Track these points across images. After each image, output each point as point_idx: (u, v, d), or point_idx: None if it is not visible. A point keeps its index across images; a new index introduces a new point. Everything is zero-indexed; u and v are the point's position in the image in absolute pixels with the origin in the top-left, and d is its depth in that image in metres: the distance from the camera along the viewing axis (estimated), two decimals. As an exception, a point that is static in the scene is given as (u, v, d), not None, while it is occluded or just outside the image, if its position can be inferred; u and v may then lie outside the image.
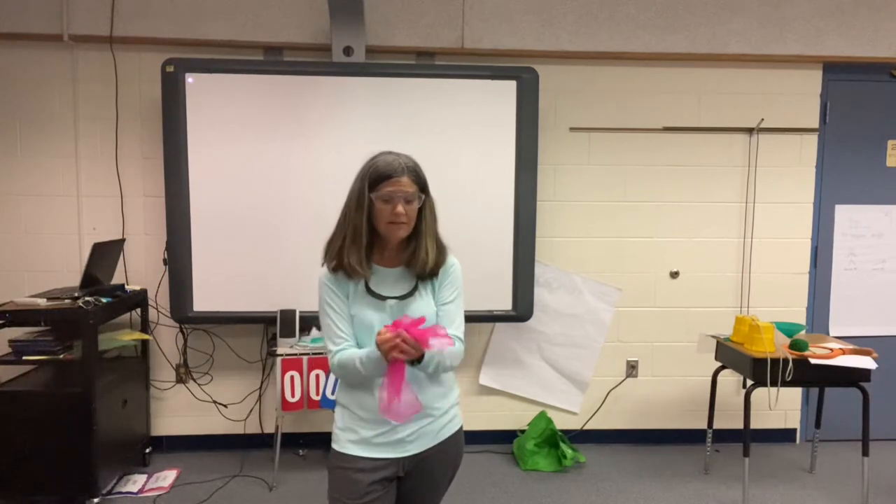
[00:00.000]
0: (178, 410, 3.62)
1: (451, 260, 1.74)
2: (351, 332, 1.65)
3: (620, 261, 3.72)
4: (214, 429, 3.64)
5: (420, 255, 1.65)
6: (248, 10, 3.44)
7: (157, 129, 3.35)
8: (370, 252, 1.66)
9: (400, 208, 1.59)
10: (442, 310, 1.70)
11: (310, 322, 3.29)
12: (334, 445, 1.70)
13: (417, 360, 1.56)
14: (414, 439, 1.67)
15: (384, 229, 1.63)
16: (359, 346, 1.66)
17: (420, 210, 1.65)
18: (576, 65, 3.60)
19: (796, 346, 2.96)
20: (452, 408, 1.76)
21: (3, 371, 3.08)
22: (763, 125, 3.68)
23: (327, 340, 1.67)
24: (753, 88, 3.66)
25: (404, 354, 1.49)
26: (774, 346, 2.96)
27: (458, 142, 3.36)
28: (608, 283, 3.72)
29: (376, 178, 1.61)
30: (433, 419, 1.69)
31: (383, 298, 1.65)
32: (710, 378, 3.41)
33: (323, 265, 1.68)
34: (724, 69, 3.65)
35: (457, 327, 1.70)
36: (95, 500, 2.93)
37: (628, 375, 3.79)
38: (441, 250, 1.70)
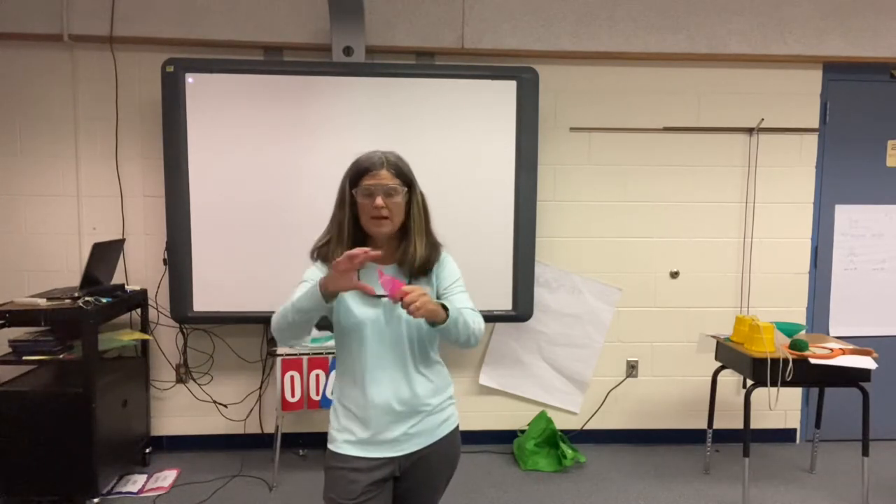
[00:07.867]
0: (178, 410, 3.62)
1: (444, 254, 1.73)
2: None
3: (620, 261, 3.72)
4: (214, 429, 3.65)
5: (409, 252, 1.64)
6: (248, 10, 3.44)
7: (157, 129, 3.36)
8: None
9: (379, 201, 1.58)
10: (444, 294, 1.69)
11: (310, 322, 3.29)
12: (330, 446, 1.70)
13: (440, 322, 1.53)
14: (410, 437, 1.67)
15: (368, 225, 1.62)
16: (346, 350, 1.67)
17: (408, 206, 1.65)
18: (576, 65, 3.60)
19: (796, 346, 2.96)
20: (448, 406, 1.76)
21: (3, 371, 3.09)
22: (763, 125, 3.68)
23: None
24: (753, 88, 3.66)
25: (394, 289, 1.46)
26: (774, 346, 2.96)
27: (458, 142, 3.36)
28: (608, 283, 3.72)
29: (356, 173, 1.62)
30: (426, 415, 1.69)
31: (378, 296, 1.65)
32: (710, 378, 3.41)
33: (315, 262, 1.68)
34: (724, 69, 3.65)
35: (465, 301, 1.68)
36: (95, 500, 2.93)
37: (628, 375, 3.79)
38: (434, 247, 1.69)
